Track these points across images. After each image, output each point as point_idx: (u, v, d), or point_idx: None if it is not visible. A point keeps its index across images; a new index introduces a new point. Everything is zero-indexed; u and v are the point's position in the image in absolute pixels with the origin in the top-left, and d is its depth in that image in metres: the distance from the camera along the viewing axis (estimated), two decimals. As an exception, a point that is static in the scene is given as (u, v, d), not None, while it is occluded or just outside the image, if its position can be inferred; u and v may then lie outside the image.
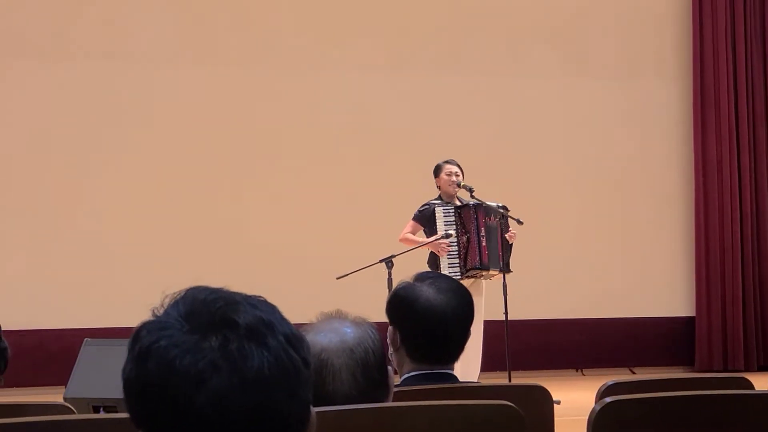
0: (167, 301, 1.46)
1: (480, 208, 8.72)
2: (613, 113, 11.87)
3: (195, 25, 11.01)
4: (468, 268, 8.63)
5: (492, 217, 8.72)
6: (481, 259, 8.64)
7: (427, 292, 3.18)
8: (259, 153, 11.02)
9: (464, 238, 8.67)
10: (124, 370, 1.44)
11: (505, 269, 8.70)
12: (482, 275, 8.71)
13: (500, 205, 8.83)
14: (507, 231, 8.78)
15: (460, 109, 11.45)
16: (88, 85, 10.76)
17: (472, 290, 8.16)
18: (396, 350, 3.19)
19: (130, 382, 1.43)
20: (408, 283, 3.24)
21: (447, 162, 8.91)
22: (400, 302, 3.20)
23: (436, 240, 8.61)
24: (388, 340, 3.10)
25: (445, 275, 3.45)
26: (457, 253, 8.65)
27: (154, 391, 1.40)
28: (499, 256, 8.66)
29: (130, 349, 1.44)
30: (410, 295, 3.18)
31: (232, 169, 10.96)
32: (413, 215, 8.86)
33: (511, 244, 8.81)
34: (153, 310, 1.46)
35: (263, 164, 11.01)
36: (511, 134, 11.56)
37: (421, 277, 3.25)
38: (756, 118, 12.01)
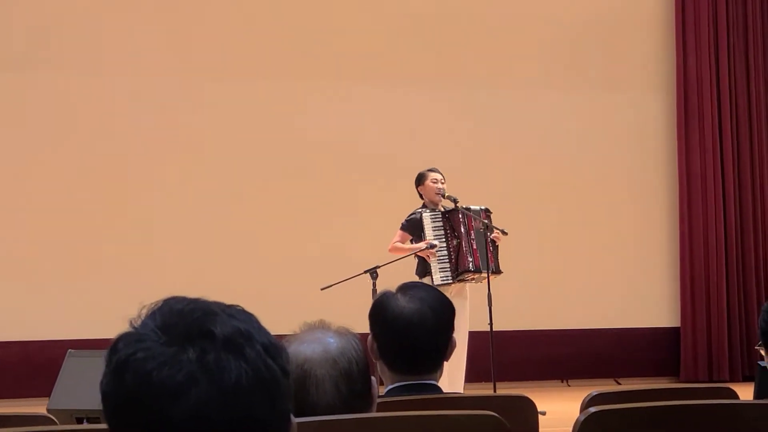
0: (144, 311, 1.45)
1: (468, 212, 8.75)
2: (597, 125, 11.88)
3: (181, 37, 10.99)
4: (460, 271, 8.63)
5: (478, 222, 8.74)
6: (473, 262, 8.66)
7: (400, 301, 3.16)
8: (244, 164, 11.00)
9: (454, 242, 8.68)
10: (101, 382, 1.42)
11: (496, 270, 8.71)
12: (473, 278, 8.72)
13: (483, 208, 8.85)
14: (492, 233, 8.77)
15: (445, 120, 11.45)
16: (74, 97, 10.74)
17: (457, 295, 8.23)
18: (377, 360, 3.18)
19: (107, 395, 1.42)
20: (386, 293, 3.23)
21: (430, 170, 8.92)
22: (374, 311, 3.19)
23: (422, 244, 8.61)
24: (369, 350, 3.08)
25: (427, 285, 3.41)
26: (447, 257, 8.66)
27: (131, 404, 1.39)
28: (488, 259, 8.67)
29: (108, 362, 1.43)
30: (382, 303, 3.18)
31: (217, 180, 10.94)
32: (401, 225, 8.85)
33: (497, 246, 8.81)
34: (130, 321, 1.45)
35: (248, 175, 10.99)
36: (496, 146, 11.56)
37: (402, 288, 3.23)
38: (740, 130, 12.03)
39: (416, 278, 8.55)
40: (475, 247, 8.69)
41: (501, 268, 8.85)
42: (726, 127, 11.96)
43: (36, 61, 10.70)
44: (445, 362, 3.25)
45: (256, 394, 1.39)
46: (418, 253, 8.69)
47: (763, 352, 3.50)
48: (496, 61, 11.66)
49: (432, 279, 8.53)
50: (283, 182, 11.04)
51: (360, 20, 11.37)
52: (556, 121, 11.76)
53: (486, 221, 8.73)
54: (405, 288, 3.23)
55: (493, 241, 8.75)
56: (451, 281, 8.54)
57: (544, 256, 11.50)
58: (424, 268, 8.71)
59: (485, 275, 8.66)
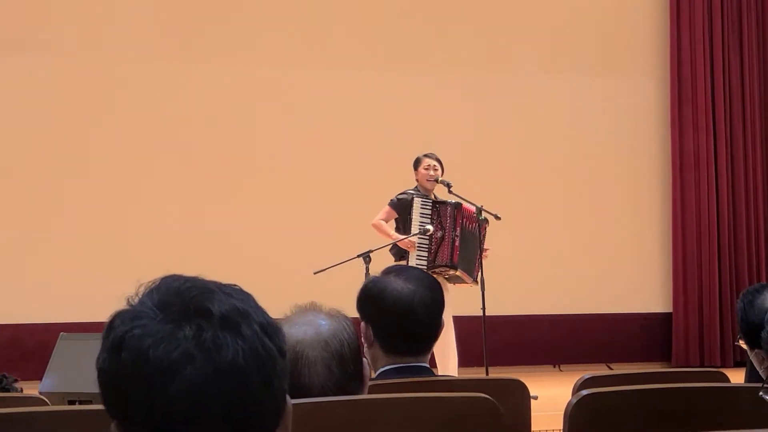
0: (142, 290, 1.45)
1: (459, 208, 8.69)
2: (591, 109, 11.88)
3: (176, 19, 10.96)
4: (436, 264, 8.59)
5: (471, 222, 8.68)
6: (451, 258, 8.61)
7: (395, 282, 3.19)
8: (237, 148, 10.98)
9: (438, 234, 8.64)
10: (98, 359, 1.43)
11: (474, 279, 8.66)
12: (447, 275, 8.67)
13: (478, 206, 8.77)
14: (483, 240, 8.71)
15: (438, 105, 11.43)
16: (65, 81, 10.71)
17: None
18: (370, 346, 3.19)
19: (104, 371, 1.42)
20: (376, 277, 3.25)
21: (426, 155, 8.87)
22: (369, 296, 3.20)
23: (411, 236, 8.56)
24: (362, 338, 3.09)
25: (412, 267, 3.46)
26: (427, 246, 8.62)
27: (128, 381, 1.39)
28: (472, 263, 8.63)
29: (104, 339, 1.43)
30: (378, 287, 3.19)
31: (210, 164, 10.92)
32: (390, 201, 8.78)
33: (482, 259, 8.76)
34: (128, 299, 1.45)
35: (241, 159, 10.98)
36: (489, 130, 11.55)
37: (388, 271, 3.27)
38: (733, 114, 12.03)
39: (392, 258, 8.57)
40: (457, 243, 8.65)
41: (492, 255, 8.82)
42: (719, 112, 11.95)
43: (22, 45, 10.68)
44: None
45: (252, 373, 1.40)
46: (399, 244, 8.64)
47: (744, 346, 3.51)
48: (492, 47, 11.63)
49: (407, 263, 8.50)
50: (278, 166, 11.03)
51: (359, 5, 11.34)
52: (550, 106, 11.75)
53: (476, 224, 8.66)
54: (396, 271, 3.25)
55: (481, 253, 8.69)
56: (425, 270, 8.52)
57: (537, 241, 11.50)
58: (399, 250, 8.66)
59: (462, 277, 8.64)
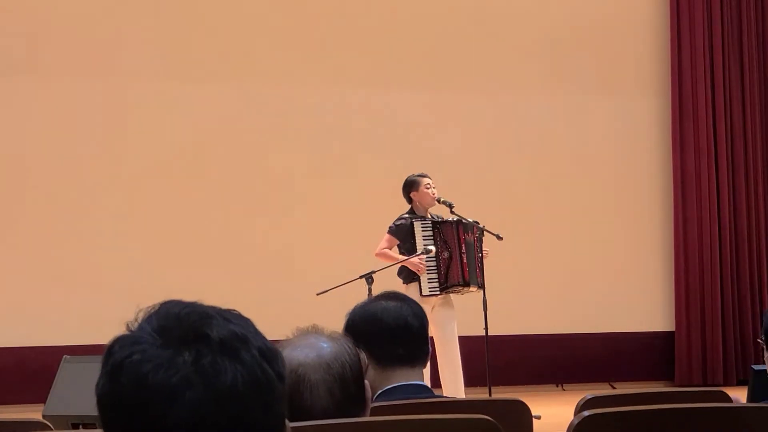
0: (141, 315, 1.46)
1: (460, 224, 8.71)
2: (591, 128, 11.88)
3: (176, 40, 10.98)
4: (449, 284, 8.61)
5: (470, 233, 8.72)
6: (462, 276, 8.64)
7: (379, 303, 3.28)
8: (239, 167, 10.99)
9: (445, 255, 8.64)
10: (97, 385, 1.43)
11: (481, 285, 8.71)
12: (460, 291, 8.71)
13: (474, 221, 8.82)
14: (481, 246, 8.77)
15: (439, 123, 11.44)
16: (67, 102, 10.73)
17: (443, 304, 8.30)
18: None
19: (103, 397, 1.43)
20: (357, 307, 3.30)
21: (421, 175, 8.87)
22: (359, 319, 3.23)
23: (415, 257, 8.57)
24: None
25: (383, 293, 3.49)
26: (436, 268, 8.62)
27: (127, 406, 1.39)
28: (477, 273, 8.68)
29: (104, 364, 1.43)
30: (367, 309, 3.24)
31: (212, 185, 10.92)
32: (389, 229, 8.79)
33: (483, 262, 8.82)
34: (127, 325, 1.45)
35: (243, 179, 10.98)
36: (490, 149, 11.55)
37: (368, 300, 3.32)
38: (734, 132, 12.03)
39: (400, 281, 8.58)
40: (465, 261, 8.67)
41: (494, 274, 8.85)
42: (720, 131, 11.96)
43: (23, 66, 10.69)
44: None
45: (251, 398, 1.40)
46: (409, 266, 8.64)
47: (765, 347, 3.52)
48: (489, 65, 11.64)
49: (420, 287, 8.52)
50: (279, 186, 11.02)
51: (352, 23, 11.36)
52: (550, 125, 11.75)
53: (478, 234, 8.72)
54: (368, 302, 3.31)
55: (482, 258, 8.76)
56: (438, 293, 8.55)
57: (538, 261, 11.49)
58: (409, 273, 8.65)
59: (472, 289, 8.68)
